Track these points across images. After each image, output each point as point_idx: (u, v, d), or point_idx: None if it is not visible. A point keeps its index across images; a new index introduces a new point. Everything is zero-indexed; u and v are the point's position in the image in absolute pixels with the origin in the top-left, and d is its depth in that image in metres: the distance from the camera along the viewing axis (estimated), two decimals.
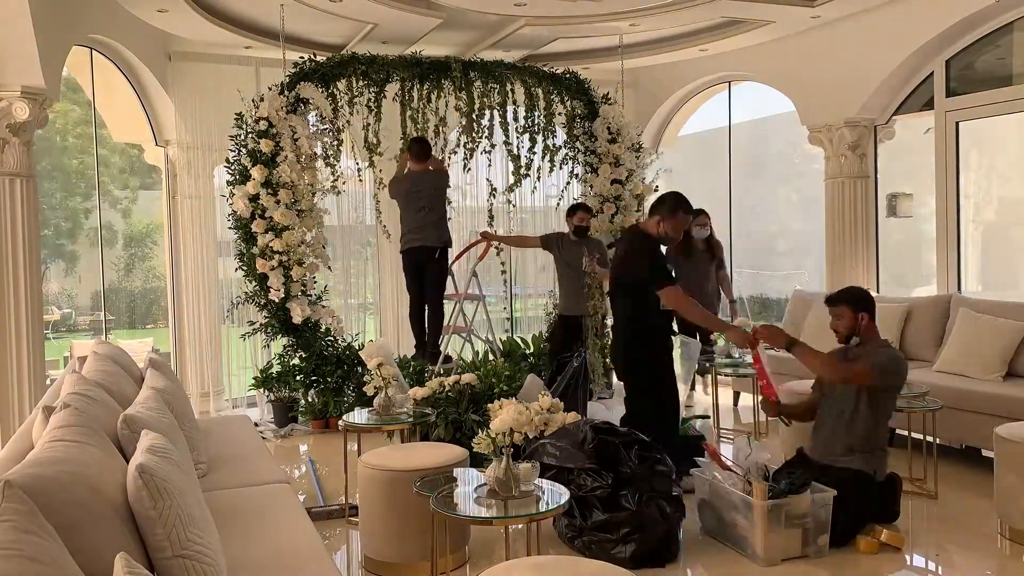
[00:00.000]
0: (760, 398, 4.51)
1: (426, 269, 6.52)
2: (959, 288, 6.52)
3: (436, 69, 6.95)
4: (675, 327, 4.90)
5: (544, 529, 3.79)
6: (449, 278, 6.79)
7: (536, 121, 7.38)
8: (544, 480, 3.31)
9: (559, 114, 7.54)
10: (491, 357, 6.88)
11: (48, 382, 5.33)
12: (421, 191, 6.43)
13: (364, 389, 4.49)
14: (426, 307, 6.64)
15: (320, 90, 6.51)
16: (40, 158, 13.38)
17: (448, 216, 6.69)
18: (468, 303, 6.96)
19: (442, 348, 6.68)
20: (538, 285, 8.60)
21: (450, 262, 6.78)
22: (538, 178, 7.53)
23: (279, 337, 6.63)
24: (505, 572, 2.49)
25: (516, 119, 7.35)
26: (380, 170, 6.92)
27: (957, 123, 6.56)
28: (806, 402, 4.42)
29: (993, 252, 8.18)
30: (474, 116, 7.09)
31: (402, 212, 6.56)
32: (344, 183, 6.95)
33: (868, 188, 7.26)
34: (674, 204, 4.54)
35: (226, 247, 7.21)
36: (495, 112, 7.22)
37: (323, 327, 6.64)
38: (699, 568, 3.80)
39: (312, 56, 6.64)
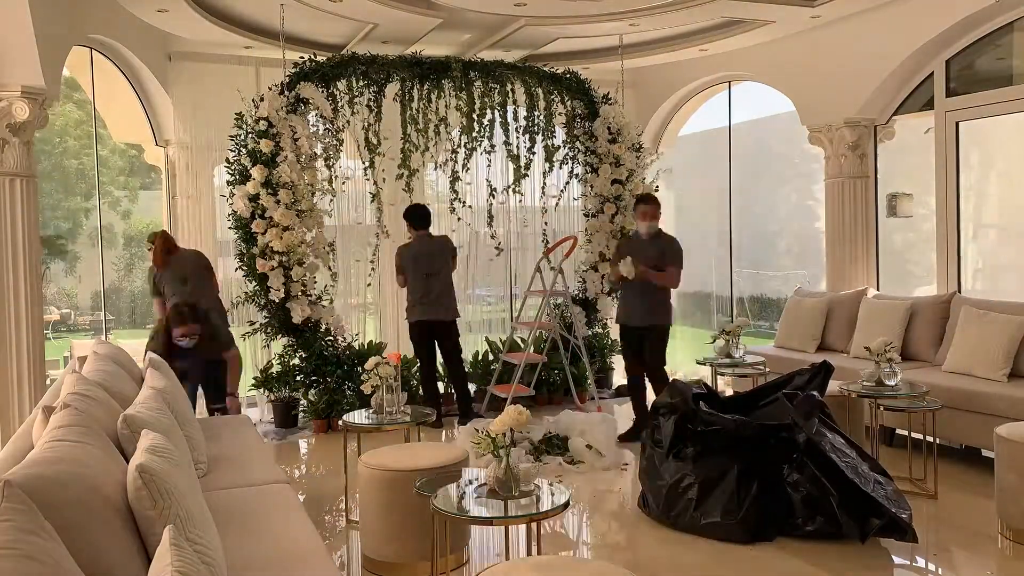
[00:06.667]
0: None
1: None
2: (959, 288, 6.52)
3: (436, 69, 6.95)
4: None
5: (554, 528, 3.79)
6: (537, 274, 7.09)
7: (536, 121, 7.38)
8: (544, 480, 3.31)
9: (559, 114, 7.54)
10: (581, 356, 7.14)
11: (48, 382, 5.33)
12: (431, 255, 6.56)
13: (362, 388, 4.48)
14: (449, 372, 6.84)
15: (320, 90, 6.51)
16: (40, 159, 13.38)
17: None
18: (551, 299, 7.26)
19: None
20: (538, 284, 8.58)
21: (539, 258, 7.26)
22: (543, 185, 7.55)
23: (279, 337, 6.63)
24: (505, 572, 2.49)
25: (516, 119, 7.34)
26: (383, 170, 6.92)
27: (957, 123, 6.56)
28: None
29: (993, 252, 8.18)
30: (474, 116, 7.09)
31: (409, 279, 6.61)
32: (344, 183, 6.95)
33: (868, 188, 7.26)
34: None
35: (226, 247, 7.21)
36: (495, 112, 7.22)
37: (323, 327, 6.64)
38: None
39: (312, 56, 6.64)
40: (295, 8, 6.15)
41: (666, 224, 7.00)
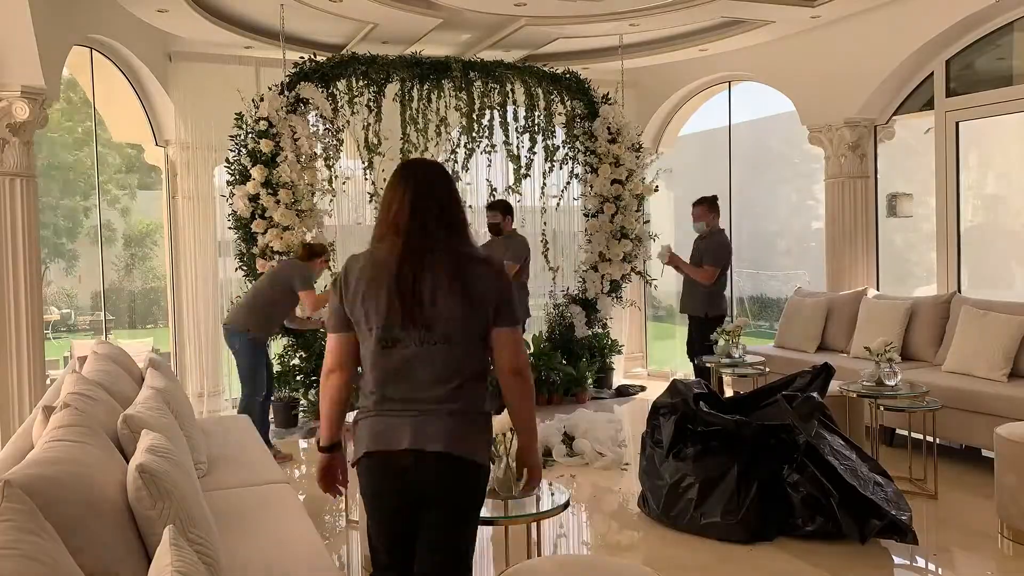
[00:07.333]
0: None
1: None
2: (959, 288, 6.52)
3: (436, 69, 6.95)
4: None
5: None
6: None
7: (536, 121, 7.38)
8: (544, 480, 3.30)
9: (559, 114, 7.54)
10: None
11: (48, 382, 5.33)
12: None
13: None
14: None
15: (320, 90, 6.51)
16: (40, 157, 13.36)
17: None
18: None
19: None
20: (538, 284, 8.58)
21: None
22: (543, 186, 7.54)
23: (279, 337, 6.63)
24: (530, 571, 2.50)
25: (516, 119, 7.34)
26: (383, 170, 6.92)
27: (957, 123, 6.56)
28: None
29: (992, 252, 8.18)
30: (474, 116, 7.09)
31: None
32: (344, 183, 6.94)
33: (868, 188, 7.25)
34: None
35: (226, 247, 7.21)
36: (495, 112, 7.22)
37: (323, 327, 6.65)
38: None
39: (312, 56, 6.64)
40: (295, 8, 6.15)
41: (665, 224, 7.02)
